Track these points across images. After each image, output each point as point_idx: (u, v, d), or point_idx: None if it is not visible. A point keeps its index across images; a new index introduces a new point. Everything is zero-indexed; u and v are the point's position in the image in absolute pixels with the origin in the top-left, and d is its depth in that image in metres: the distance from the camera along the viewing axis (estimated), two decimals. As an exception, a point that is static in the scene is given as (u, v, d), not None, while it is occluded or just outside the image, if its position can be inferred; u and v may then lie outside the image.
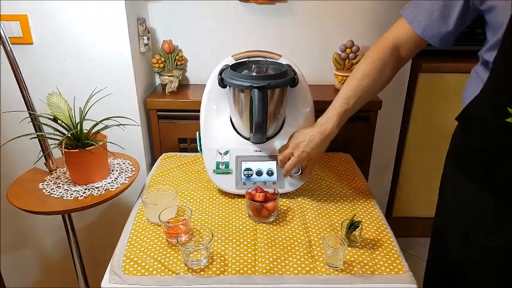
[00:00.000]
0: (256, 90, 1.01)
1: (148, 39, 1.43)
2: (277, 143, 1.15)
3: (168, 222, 0.95)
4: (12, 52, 1.06)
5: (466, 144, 0.89)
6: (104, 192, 1.08)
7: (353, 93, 0.99)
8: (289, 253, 0.93)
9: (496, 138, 0.80)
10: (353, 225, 0.93)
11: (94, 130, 1.10)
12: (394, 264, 0.90)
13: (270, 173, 1.13)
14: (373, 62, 0.98)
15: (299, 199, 1.13)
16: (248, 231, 1.00)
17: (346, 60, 1.51)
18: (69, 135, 1.06)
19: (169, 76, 1.50)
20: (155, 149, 1.51)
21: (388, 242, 0.97)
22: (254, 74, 1.10)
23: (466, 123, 0.89)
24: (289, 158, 1.07)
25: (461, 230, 0.93)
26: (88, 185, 1.11)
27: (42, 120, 1.12)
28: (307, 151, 1.03)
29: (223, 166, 1.14)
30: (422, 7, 0.89)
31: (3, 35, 1.05)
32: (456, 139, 0.95)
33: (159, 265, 0.89)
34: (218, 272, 0.87)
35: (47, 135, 1.11)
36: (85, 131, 1.09)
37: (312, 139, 1.02)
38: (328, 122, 1.01)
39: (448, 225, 0.97)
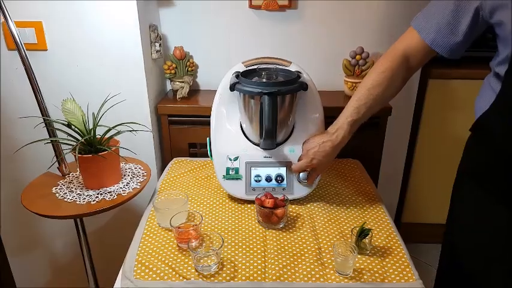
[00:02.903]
0: (266, 96, 1.02)
1: (160, 45, 1.45)
2: (286, 149, 1.16)
3: (179, 228, 0.96)
4: (27, 58, 1.09)
5: (480, 155, 0.89)
6: (116, 196, 1.10)
7: (363, 102, 1.00)
8: (299, 260, 0.93)
9: (510, 149, 0.79)
10: (363, 233, 0.93)
11: (107, 135, 1.12)
12: (404, 273, 0.89)
13: (279, 179, 1.14)
14: (383, 72, 0.98)
15: (308, 205, 1.14)
16: (258, 238, 1.00)
17: (356, 66, 1.51)
18: (83, 140, 1.08)
19: (180, 82, 1.52)
20: (166, 154, 1.53)
21: (398, 249, 0.97)
22: (264, 80, 1.11)
23: (480, 134, 0.88)
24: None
25: (474, 243, 0.92)
26: (100, 190, 1.12)
27: (56, 125, 1.14)
28: (318, 158, 1.05)
29: (233, 172, 1.14)
30: (432, 18, 0.89)
31: (19, 41, 1.07)
32: (469, 150, 0.94)
33: (170, 270, 0.90)
34: (228, 278, 0.88)
35: (61, 141, 1.13)
36: (98, 137, 1.11)
37: (322, 146, 1.04)
38: (339, 131, 1.02)
39: (460, 237, 0.96)
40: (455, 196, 1.01)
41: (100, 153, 1.07)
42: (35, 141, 1.07)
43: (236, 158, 1.15)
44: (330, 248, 0.96)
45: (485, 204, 0.87)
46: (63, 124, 1.11)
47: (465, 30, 0.85)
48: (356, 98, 1.02)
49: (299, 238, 1.00)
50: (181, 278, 0.88)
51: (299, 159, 1.11)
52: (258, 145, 1.16)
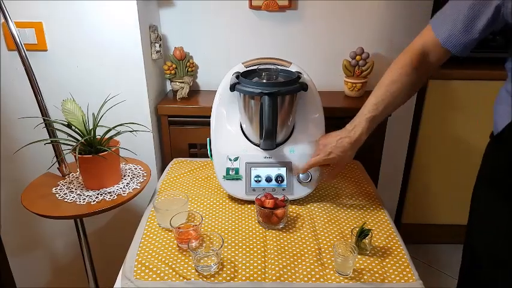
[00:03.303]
0: (266, 97, 1.02)
1: (160, 46, 1.45)
2: (286, 149, 1.16)
3: (179, 228, 0.96)
4: (27, 58, 1.09)
5: (500, 162, 0.88)
6: (116, 197, 1.10)
7: (381, 99, 0.98)
8: (299, 260, 0.93)
9: None
10: (363, 233, 0.93)
11: (107, 136, 1.12)
12: (404, 273, 0.89)
13: (279, 180, 1.14)
14: (401, 68, 0.96)
15: (308, 206, 1.14)
16: (258, 238, 1.00)
17: (356, 67, 1.52)
18: (83, 141, 1.08)
19: (180, 82, 1.52)
20: (166, 155, 1.53)
21: (398, 250, 0.97)
22: (264, 81, 1.11)
23: (500, 142, 0.87)
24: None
25: (494, 252, 0.91)
26: (100, 190, 1.12)
27: (56, 126, 1.14)
28: (336, 153, 1.03)
29: (233, 172, 1.14)
30: (448, 17, 0.88)
31: (19, 42, 1.07)
32: (489, 157, 0.93)
33: (170, 270, 0.90)
34: (228, 278, 0.88)
35: (61, 141, 1.13)
36: (98, 137, 1.11)
37: (340, 142, 1.02)
38: (357, 128, 1.01)
39: (478, 240, 0.95)
40: (474, 204, 0.99)
41: (100, 154, 1.07)
42: (35, 142, 1.07)
43: (236, 159, 1.15)
44: (330, 249, 0.96)
45: (505, 213, 0.86)
46: (63, 124, 1.11)
47: (481, 28, 0.83)
48: (374, 95, 1.00)
49: (299, 238, 1.00)
50: (181, 278, 0.88)
51: (314, 155, 1.09)
52: (258, 145, 1.16)
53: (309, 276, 0.88)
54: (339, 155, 1.02)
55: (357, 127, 1.01)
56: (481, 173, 0.97)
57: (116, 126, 1.13)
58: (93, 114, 1.13)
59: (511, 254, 0.87)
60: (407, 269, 0.90)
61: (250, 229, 1.04)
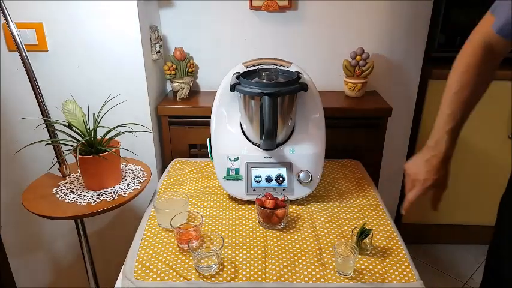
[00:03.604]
0: (266, 97, 1.02)
1: (160, 46, 1.45)
2: (287, 149, 1.16)
3: (180, 228, 0.96)
4: (28, 59, 1.09)
5: None
6: (116, 197, 1.10)
7: (455, 107, 0.89)
8: (300, 260, 0.93)
9: None
10: (363, 233, 0.93)
11: (107, 136, 1.12)
12: (405, 273, 0.89)
13: (279, 180, 1.14)
14: (466, 71, 0.87)
15: (309, 206, 1.14)
16: (258, 238, 1.01)
17: (356, 67, 1.52)
18: (84, 141, 1.08)
19: (180, 83, 1.52)
20: (166, 155, 1.53)
21: (399, 250, 0.97)
22: (264, 81, 1.11)
23: None
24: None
25: None
26: (101, 191, 1.12)
27: (56, 126, 1.14)
28: (431, 178, 0.91)
29: (234, 172, 1.14)
30: (504, 3, 0.81)
31: (19, 42, 1.07)
32: None
33: (171, 271, 0.90)
34: (229, 278, 0.88)
35: (61, 142, 1.13)
36: (98, 138, 1.11)
37: (429, 165, 0.91)
38: (440, 144, 0.90)
39: (505, 248, 0.94)
40: (503, 205, 0.98)
41: (100, 154, 1.07)
42: (35, 142, 1.07)
43: (236, 159, 1.15)
44: (331, 249, 0.96)
45: None
46: (64, 125, 1.11)
47: None
48: (446, 104, 0.90)
49: (299, 238, 1.00)
50: (181, 278, 0.88)
51: (405, 186, 0.97)
52: (258, 146, 1.16)
53: (310, 276, 0.88)
54: (434, 178, 0.91)
55: (439, 143, 0.90)
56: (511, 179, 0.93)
57: (116, 127, 1.13)
58: (94, 114, 1.13)
59: None
60: (408, 269, 0.90)
61: (250, 229, 1.04)
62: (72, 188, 1.15)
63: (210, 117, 1.19)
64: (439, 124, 0.91)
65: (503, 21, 0.80)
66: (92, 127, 1.11)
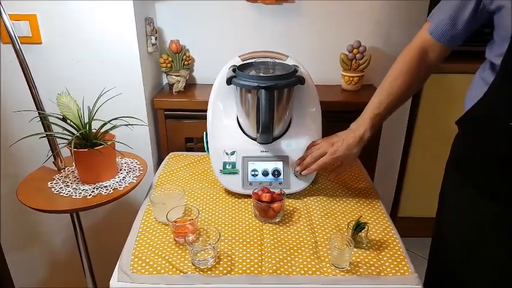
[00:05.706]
0: (263, 90, 1.02)
1: (156, 39, 1.44)
2: (283, 143, 1.16)
3: (176, 222, 0.96)
4: (21, 51, 1.07)
5: (467, 149, 0.89)
6: (112, 191, 1.09)
7: (384, 97, 1.01)
8: (296, 253, 0.93)
9: (499, 142, 0.79)
10: (359, 227, 0.94)
11: (103, 130, 1.11)
12: (400, 266, 0.90)
13: (276, 174, 1.14)
14: (402, 65, 0.99)
15: (305, 199, 1.14)
16: (255, 231, 1.01)
17: (353, 60, 1.51)
18: (78, 134, 1.07)
19: (176, 76, 1.51)
20: (162, 149, 1.53)
21: (394, 243, 0.97)
22: (261, 74, 1.11)
23: (468, 128, 0.89)
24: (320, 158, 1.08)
25: (462, 239, 0.92)
26: (96, 184, 1.12)
27: (51, 119, 1.13)
28: (341, 151, 1.05)
29: (230, 166, 1.14)
30: (440, 9, 0.92)
31: (13, 34, 1.06)
32: (457, 144, 0.95)
33: (167, 264, 0.90)
34: (225, 271, 0.88)
35: (56, 135, 1.12)
36: (94, 131, 1.11)
37: (345, 140, 1.04)
38: (361, 126, 1.04)
39: (449, 233, 0.97)
40: (443, 191, 1.01)
41: (96, 148, 1.07)
42: (30, 136, 1.06)
43: (233, 153, 1.15)
44: (327, 242, 0.97)
45: (472, 200, 0.88)
46: (59, 118, 1.10)
47: (466, 19, 0.86)
48: (378, 92, 1.03)
49: (296, 232, 1.00)
50: (178, 271, 0.88)
51: (310, 146, 1.12)
52: (254, 139, 1.16)
53: (305, 269, 0.89)
54: (345, 152, 1.04)
55: (361, 125, 1.04)
56: (449, 160, 1.00)
57: (111, 120, 1.12)
58: (89, 107, 1.12)
59: (478, 243, 0.88)
60: (403, 262, 0.91)
61: (246, 223, 1.04)
62: (68, 182, 1.14)
63: (206, 111, 1.19)
64: (367, 109, 1.05)
65: (434, 25, 0.92)
66: (86, 120, 1.10)
